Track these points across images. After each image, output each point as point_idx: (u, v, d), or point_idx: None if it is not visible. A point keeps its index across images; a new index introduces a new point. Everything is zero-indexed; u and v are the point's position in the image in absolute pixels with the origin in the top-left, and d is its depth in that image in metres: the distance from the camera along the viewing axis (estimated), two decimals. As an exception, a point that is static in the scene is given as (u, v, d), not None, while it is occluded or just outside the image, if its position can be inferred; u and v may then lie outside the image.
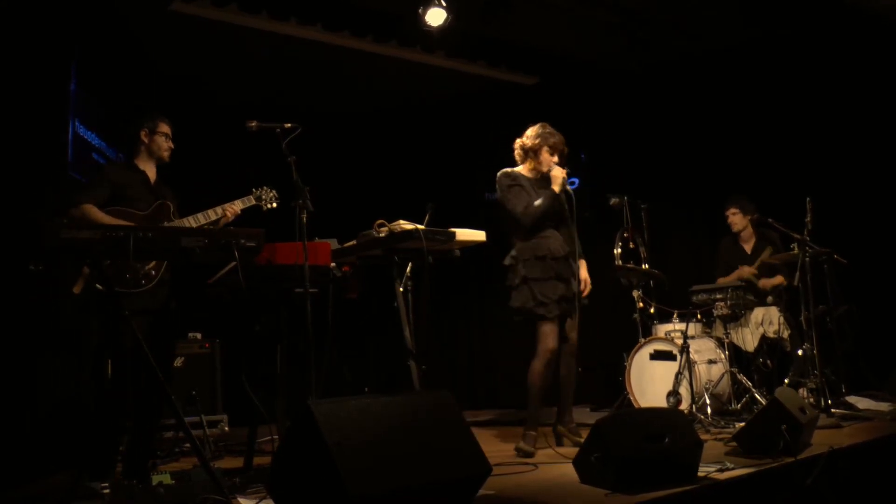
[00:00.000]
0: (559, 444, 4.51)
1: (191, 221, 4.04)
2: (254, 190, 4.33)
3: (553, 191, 4.38)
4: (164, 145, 4.11)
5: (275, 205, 4.35)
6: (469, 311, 7.80)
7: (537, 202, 4.37)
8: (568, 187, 4.46)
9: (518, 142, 4.59)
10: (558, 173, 4.39)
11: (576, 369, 4.56)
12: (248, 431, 4.03)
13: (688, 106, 6.98)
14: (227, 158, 6.21)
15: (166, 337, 3.93)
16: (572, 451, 3.81)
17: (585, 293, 4.53)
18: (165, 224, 3.97)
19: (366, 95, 7.38)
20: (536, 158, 4.50)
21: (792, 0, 5.94)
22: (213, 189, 4.26)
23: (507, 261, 4.51)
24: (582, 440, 4.30)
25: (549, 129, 4.53)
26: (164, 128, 4.12)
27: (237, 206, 4.20)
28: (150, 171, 4.12)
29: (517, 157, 4.61)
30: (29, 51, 4.69)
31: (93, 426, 3.73)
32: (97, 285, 3.58)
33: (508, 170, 4.54)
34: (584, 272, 4.58)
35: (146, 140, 4.09)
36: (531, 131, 4.54)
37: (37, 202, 4.66)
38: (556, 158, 4.48)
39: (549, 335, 4.32)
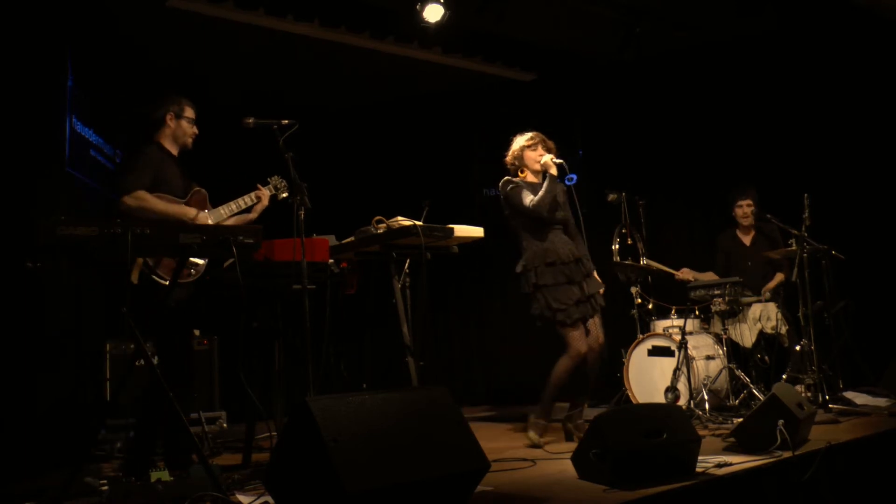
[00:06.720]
0: (569, 439, 4.49)
1: (224, 211, 3.93)
2: (268, 179, 4.18)
3: (551, 175, 4.48)
4: (189, 131, 3.94)
5: (286, 194, 4.14)
6: (467, 307, 7.79)
7: (541, 191, 4.46)
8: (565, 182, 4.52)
9: (507, 160, 4.73)
10: (549, 160, 4.51)
11: (599, 369, 4.60)
12: (246, 428, 4.04)
13: (686, 101, 6.96)
14: (224, 156, 6.19)
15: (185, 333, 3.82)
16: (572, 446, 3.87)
17: (601, 292, 4.63)
18: (206, 212, 3.87)
19: (363, 92, 7.37)
20: (525, 163, 4.65)
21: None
22: (213, 187, 4.23)
23: (518, 268, 4.57)
24: None
25: (520, 136, 4.69)
26: (190, 112, 3.95)
27: (268, 191, 4.07)
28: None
29: (512, 171, 4.73)
30: (25, 47, 4.68)
31: (93, 422, 3.69)
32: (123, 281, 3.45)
33: (507, 178, 4.64)
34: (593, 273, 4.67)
35: (172, 124, 3.91)
36: (511, 148, 4.70)
37: (34, 199, 4.65)
38: (540, 152, 4.61)
39: (577, 339, 4.40)
